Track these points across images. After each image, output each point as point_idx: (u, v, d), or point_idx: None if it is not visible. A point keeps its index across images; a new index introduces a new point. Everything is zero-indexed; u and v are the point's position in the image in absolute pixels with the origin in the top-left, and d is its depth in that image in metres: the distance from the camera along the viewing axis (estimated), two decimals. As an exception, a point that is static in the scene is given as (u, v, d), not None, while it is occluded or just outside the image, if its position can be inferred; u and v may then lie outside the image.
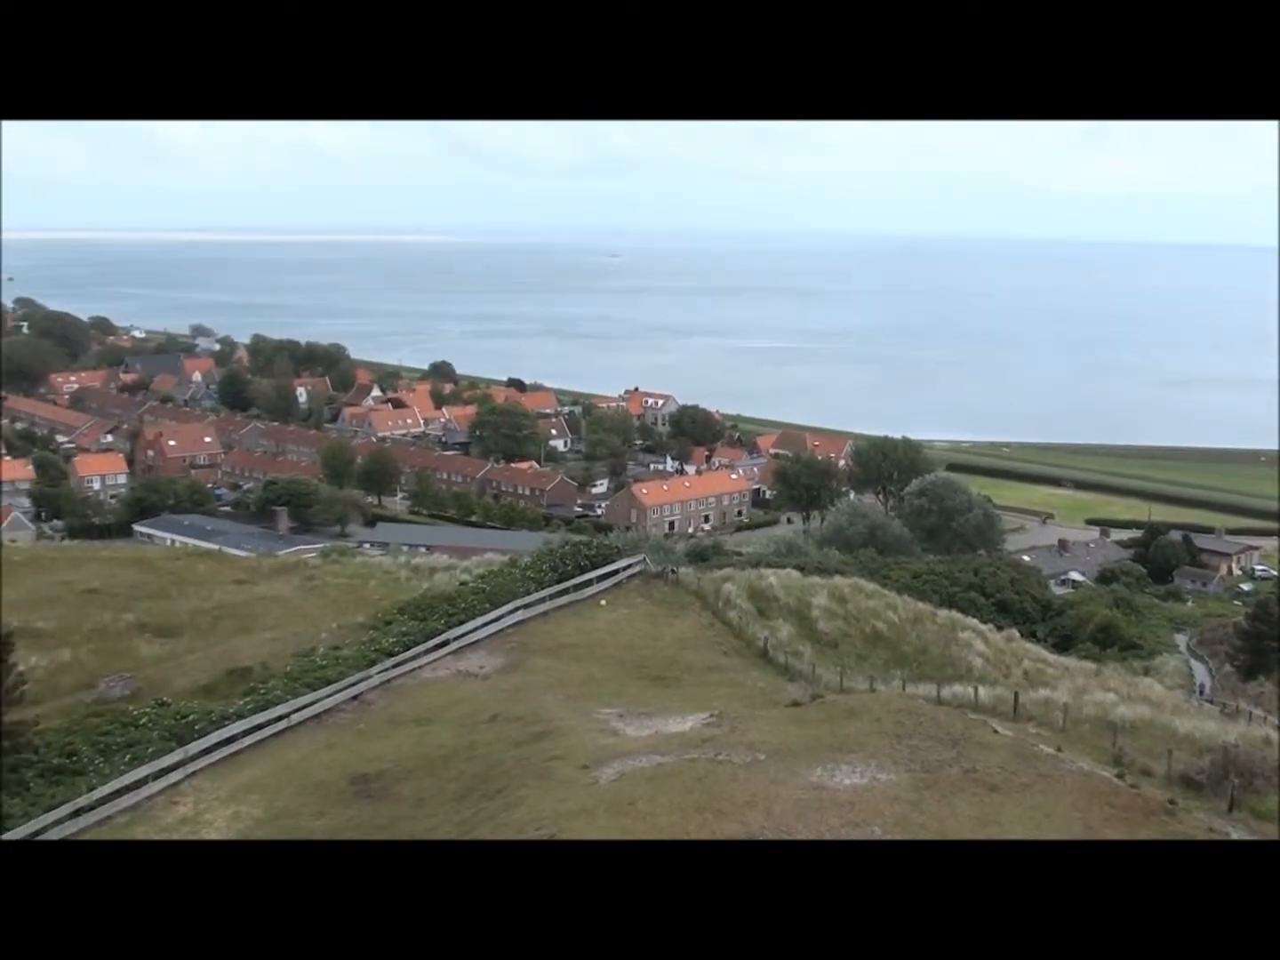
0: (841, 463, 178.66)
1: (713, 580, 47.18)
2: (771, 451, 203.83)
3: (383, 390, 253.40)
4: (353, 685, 35.19)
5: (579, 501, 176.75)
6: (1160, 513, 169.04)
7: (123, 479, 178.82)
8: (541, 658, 38.49)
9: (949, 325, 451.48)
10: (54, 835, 26.29)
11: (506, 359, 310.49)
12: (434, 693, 35.75)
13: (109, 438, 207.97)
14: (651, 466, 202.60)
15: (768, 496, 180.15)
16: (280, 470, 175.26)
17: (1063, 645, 68.20)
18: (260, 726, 32.29)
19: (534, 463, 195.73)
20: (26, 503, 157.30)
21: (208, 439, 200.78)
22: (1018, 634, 54.53)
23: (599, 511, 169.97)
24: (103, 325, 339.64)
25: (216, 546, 75.80)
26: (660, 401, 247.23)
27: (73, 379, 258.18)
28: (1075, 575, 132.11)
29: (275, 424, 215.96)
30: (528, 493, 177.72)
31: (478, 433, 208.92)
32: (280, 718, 32.85)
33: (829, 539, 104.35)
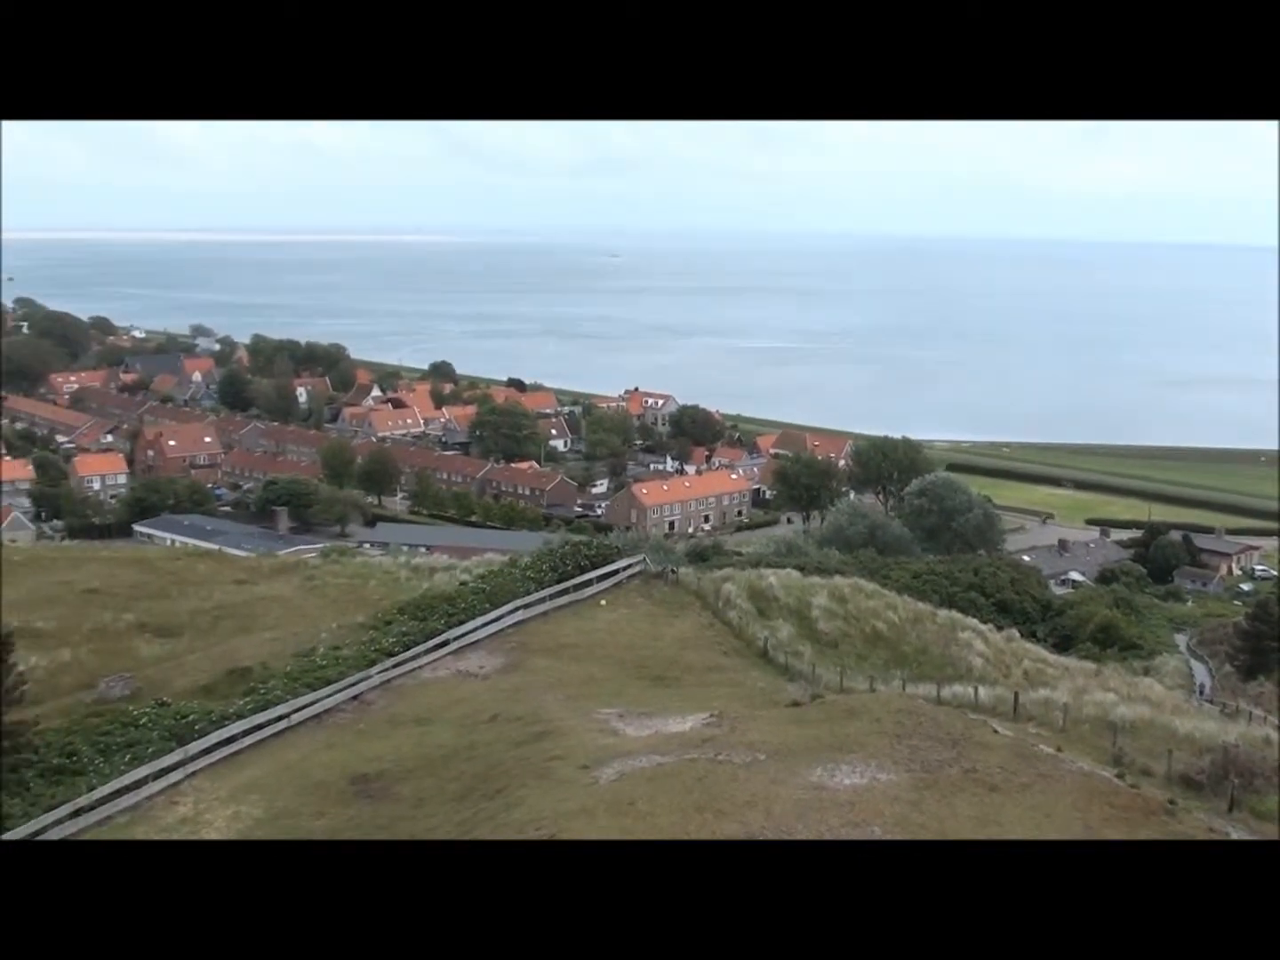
0: (841, 463, 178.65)
1: (713, 580, 47.18)
2: (771, 451, 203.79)
3: (383, 390, 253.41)
4: (353, 685, 35.20)
5: (579, 501, 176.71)
6: (1160, 513, 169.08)
7: (123, 479, 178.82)
8: (541, 658, 38.49)
9: (949, 325, 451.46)
10: (54, 835, 26.29)
11: (506, 359, 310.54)
12: (434, 693, 35.75)
13: (109, 438, 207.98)
14: (651, 466, 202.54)
15: (768, 496, 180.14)
16: (280, 470, 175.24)
17: (1063, 645, 68.20)
18: (260, 726, 32.31)
19: (534, 463, 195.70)
20: (26, 503, 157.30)
21: (208, 439, 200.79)
22: (1018, 634, 54.54)
23: (599, 512, 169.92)
24: (103, 325, 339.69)
25: (216, 546, 75.82)
26: (660, 401, 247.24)
27: (73, 379, 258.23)
28: (1075, 575, 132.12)
29: (275, 424, 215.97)
30: (528, 493, 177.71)
31: (478, 433, 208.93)
32: (280, 718, 32.87)
33: (829, 539, 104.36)
